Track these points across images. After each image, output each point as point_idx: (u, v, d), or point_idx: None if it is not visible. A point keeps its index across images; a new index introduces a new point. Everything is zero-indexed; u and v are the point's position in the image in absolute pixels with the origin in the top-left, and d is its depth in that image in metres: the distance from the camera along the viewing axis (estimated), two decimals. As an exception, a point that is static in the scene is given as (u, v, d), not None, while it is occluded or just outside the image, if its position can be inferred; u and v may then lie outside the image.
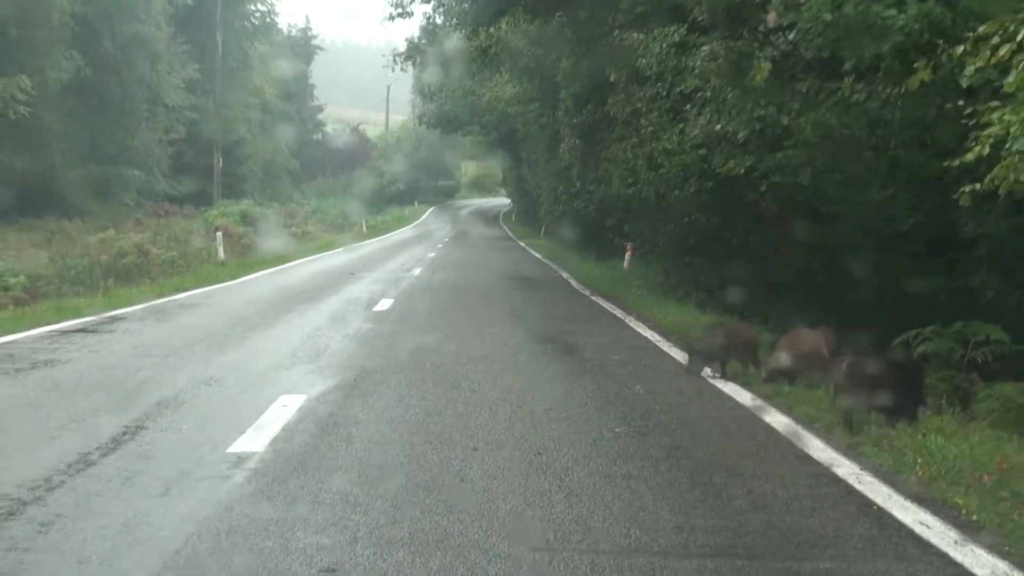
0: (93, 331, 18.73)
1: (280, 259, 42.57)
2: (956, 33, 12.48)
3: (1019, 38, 9.44)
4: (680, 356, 17.24)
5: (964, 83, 10.88)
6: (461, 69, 39.00)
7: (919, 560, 7.40)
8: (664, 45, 21.82)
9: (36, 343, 17.01)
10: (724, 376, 15.28)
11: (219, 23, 68.02)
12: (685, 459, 10.14)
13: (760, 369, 15.25)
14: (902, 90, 13.34)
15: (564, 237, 52.99)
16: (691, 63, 20.16)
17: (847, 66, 15.93)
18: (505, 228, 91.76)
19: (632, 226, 36.00)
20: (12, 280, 25.36)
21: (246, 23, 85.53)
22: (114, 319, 20.56)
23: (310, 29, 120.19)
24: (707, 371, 15.53)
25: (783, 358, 14.86)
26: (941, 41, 12.02)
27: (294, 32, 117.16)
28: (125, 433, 10.36)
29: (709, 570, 6.95)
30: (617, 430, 11.45)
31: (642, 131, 24.51)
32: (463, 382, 14.25)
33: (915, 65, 11.69)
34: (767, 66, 15.79)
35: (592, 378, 15.16)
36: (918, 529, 8.07)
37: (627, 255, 38.87)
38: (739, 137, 18.94)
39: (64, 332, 18.41)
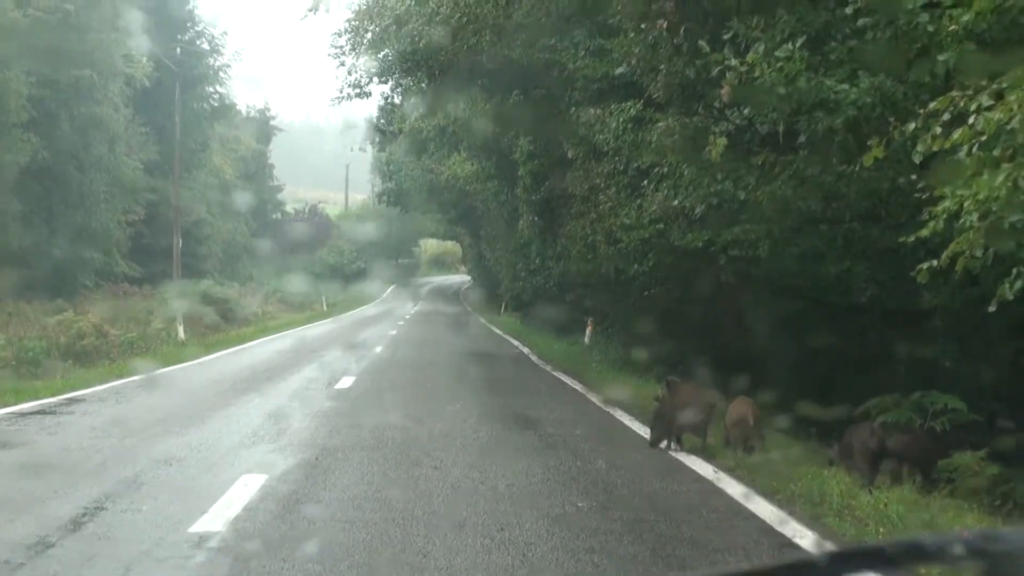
0: (51, 412, 18.63)
1: (241, 338, 42.52)
2: (908, 107, 12.66)
3: (970, 120, 9.58)
4: (644, 431, 17.27)
5: (916, 159, 11.01)
6: (419, 148, 39.16)
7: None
8: (620, 120, 21.96)
9: (-6, 426, 16.90)
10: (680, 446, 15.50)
11: (177, 104, 68.07)
12: (648, 532, 10.15)
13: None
14: (857, 167, 13.49)
15: (524, 313, 53.09)
16: (648, 137, 20.31)
17: (802, 139, 16.10)
18: (466, 305, 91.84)
19: (592, 301, 36.09)
20: (-31, 363, 25.21)
21: (204, 105, 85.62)
22: (72, 400, 20.45)
23: (268, 110, 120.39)
24: (671, 444, 15.57)
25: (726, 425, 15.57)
26: (892, 118, 12.20)
27: (252, 113, 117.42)
28: (84, 514, 10.30)
29: (673, 644, 6.96)
30: (579, 504, 11.45)
31: (600, 207, 24.64)
32: (425, 459, 14.22)
33: (868, 143, 11.83)
34: (722, 141, 15.92)
35: (554, 453, 15.16)
36: (880, 599, 8.08)
37: (588, 330, 38.93)
38: (696, 212, 19.06)
39: (22, 414, 18.31)
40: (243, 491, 11.59)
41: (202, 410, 19.43)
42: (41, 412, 18.64)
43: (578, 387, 25.10)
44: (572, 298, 39.13)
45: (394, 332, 49.90)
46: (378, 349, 37.99)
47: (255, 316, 58.98)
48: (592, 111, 23.86)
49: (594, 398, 22.55)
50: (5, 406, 19.18)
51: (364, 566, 8.61)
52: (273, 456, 14.18)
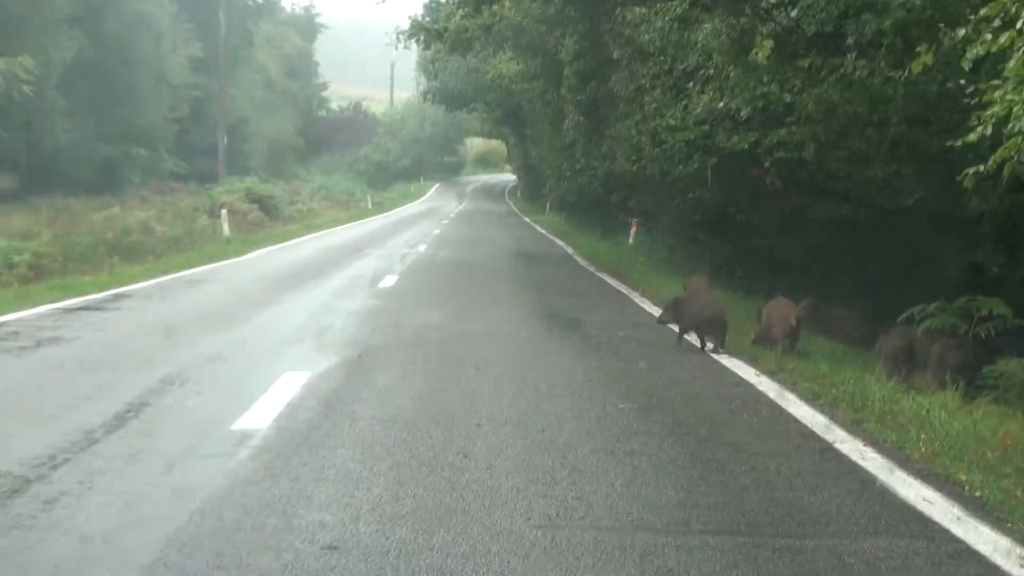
0: (98, 309, 18.74)
1: (285, 236, 42.60)
2: (958, 10, 12.44)
3: (1019, 25, 9.41)
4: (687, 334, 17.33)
5: (966, 66, 10.84)
6: (464, 46, 38.77)
7: (921, 536, 7.41)
8: (667, 20, 21.74)
9: (40, 321, 17.01)
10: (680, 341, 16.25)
11: (222, 1, 67.88)
12: (688, 436, 10.15)
13: (722, 346, 15.77)
14: (905, 73, 13.32)
15: (569, 213, 53.01)
16: (694, 38, 20.12)
17: (849, 42, 15.90)
18: (510, 204, 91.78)
19: (637, 202, 36.00)
20: (17, 258, 25.29)
21: (249, 1, 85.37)
22: (118, 296, 20.56)
23: (313, 7, 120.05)
24: (710, 345, 15.64)
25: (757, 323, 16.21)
26: (942, 24, 12.01)
27: (297, 10, 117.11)
28: (129, 411, 10.38)
29: (711, 547, 6.96)
30: (621, 407, 11.46)
31: (645, 108, 24.51)
32: (467, 359, 14.26)
33: (917, 49, 11.67)
34: (769, 43, 15.76)
35: (596, 355, 15.17)
36: (921, 505, 8.09)
37: (632, 231, 38.90)
38: (742, 114, 18.93)
39: (68, 310, 18.41)
40: (286, 388, 11.64)
41: (246, 307, 19.51)
42: (87, 308, 18.74)
43: (621, 288, 25.06)
44: (617, 199, 39.08)
45: (438, 231, 49.93)
46: (422, 248, 38.02)
47: (299, 214, 59.05)
48: (638, 10, 23.66)
49: (637, 299, 22.53)
50: (52, 302, 19.29)
51: (404, 465, 8.64)
52: (316, 354, 14.23)
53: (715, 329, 15.97)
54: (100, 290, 21.34)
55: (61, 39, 48.20)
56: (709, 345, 15.65)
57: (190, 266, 27.82)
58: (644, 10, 23.15)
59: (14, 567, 6.28)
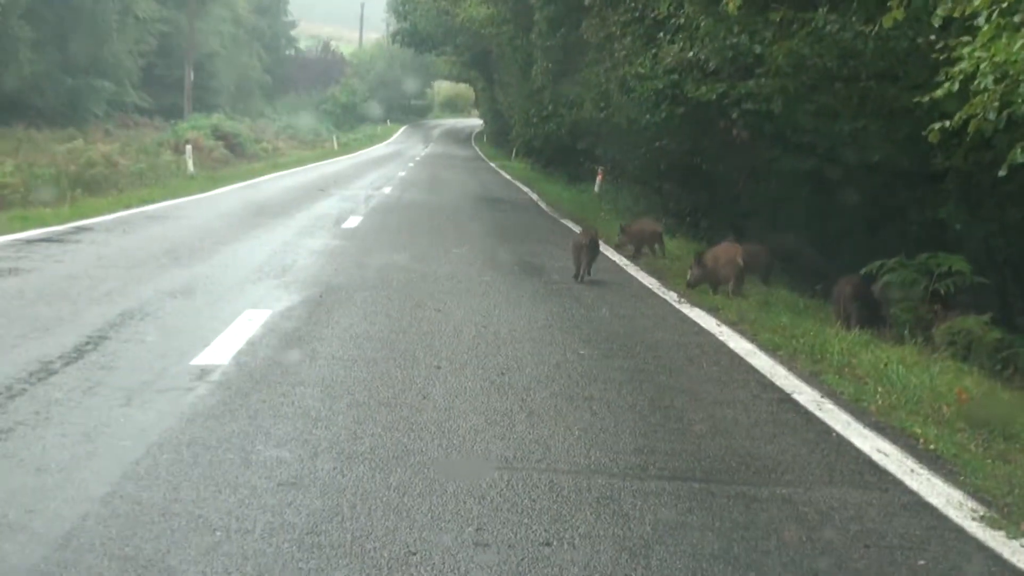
0: (59, 241, 18.64)
1: (250, 174, 42.44)
2: (931, -34, 12.44)
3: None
4: (648, 281, 17.38)
5: (936, 22, 10.85)
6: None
7: (875, 487, 7.47)
8: (639, -35, 21.71)
9: (0, 251, 16.91)
10: (636, 256, 20.43)
11: (192, -67, 67.37)
12: (647, 383, 10.19)
13: (662, 253, 20.04)
14: (876, 28, 13.32)
15: (535, 160, 52.92)
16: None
17: (821, -5, 15.91)
18: (477, 149, 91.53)
19: (603, 150, 35.95)
20: (-23, 188, 25.20)
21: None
22: (80, 229, 20.45)
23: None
24: (672, 295, 15.69)
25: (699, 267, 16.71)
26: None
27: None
28: (88, 343, 10.34)
29: (667, 492, 7.00)
30: (581, 352, 11.49)
31: (615, 55, 24.44)
32: (428, 301, 14.26)
33: (888, 4, 11.67)
34: (741, -6, 15.73)
35: (558, 300, 15.18)
36: (876, 457, 8.15)
37: (598, 179, 38.86)
38: (711, 64, 18.90)
39: (29, 241, 18.31)
40: (246, 326, 11.62)
41: (209, 244, 19.43)
42: (48, 240, 18.64)
43: (585, 236, 25.09)
44: (583, 146, 39.02)
45: (403, 174, 49.81)
46: (387, 190, 37.96)
47: (265, 152, 58.84)
48: (611, -44, 23.58)
49: (601, 247, 22.54)
50: (12, 232, 19.19)
51: (363, 404, 8.65)
52: (278, 292, 14.20)
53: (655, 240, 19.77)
54: (62, 222, 21.24)
55: (28, -32, 47.77)
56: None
57: (153, 201, 27.70)
58: (617, -44, 23.08)
59: (-35, 497, 6.26)
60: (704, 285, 16.59)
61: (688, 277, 16.90)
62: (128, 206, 25.84)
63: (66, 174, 30.39)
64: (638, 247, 21.15)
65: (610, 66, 24.90)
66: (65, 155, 34.19)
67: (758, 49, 17.43)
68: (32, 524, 5.86)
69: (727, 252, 16.84)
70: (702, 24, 18.33)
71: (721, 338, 12.87)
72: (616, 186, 35.77)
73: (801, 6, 16.64)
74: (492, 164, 67.27)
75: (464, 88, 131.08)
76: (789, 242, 20.17)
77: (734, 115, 19.31)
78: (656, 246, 21.20)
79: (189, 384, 8.95)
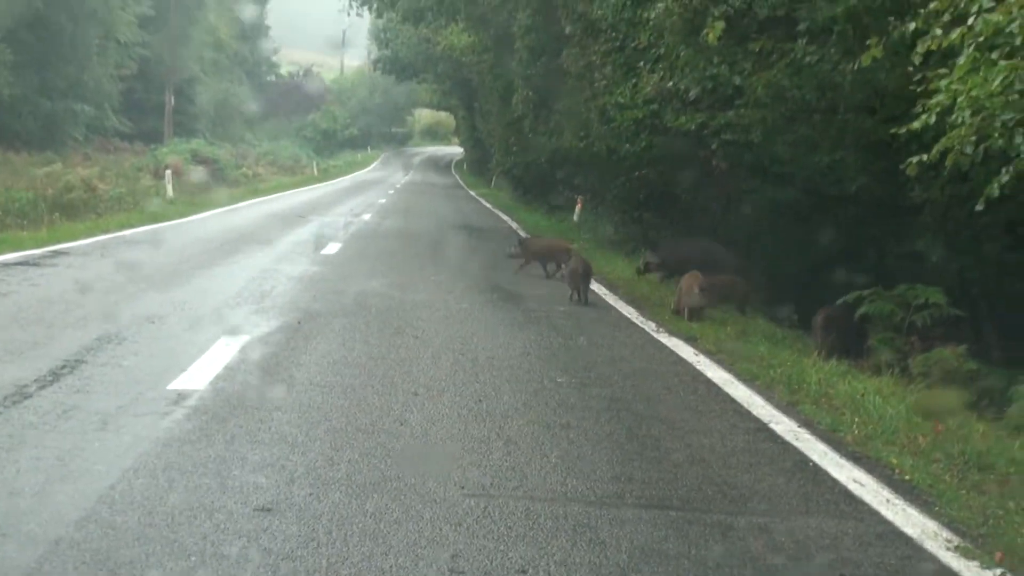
0: (35, 264, 18.59)
1: (230, 199, 42.36)
2: (910, 0, 12.51)
3: (969, 21, 9.50)
4: (627, 311, 17.41)
5: (916, 60, 10.90)
6: (416, 16, 38.74)
7: (851, 517, 7.49)
8: (620, -5, 21.78)
9: (-23, 275, 16.87)
10: (547, 275, 20.77)
11: (175, -41, 67.46)
12: (625, 411, 10.19)
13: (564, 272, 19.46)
14: (855, 66, 13.39)
15: (514, 188, 52.98)
16: (646, 16, 20.13)
17: (801, 27, 15.95)
18: (457, 177, 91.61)
19: (583, 179, 35.99)
20: (-46, 211, 25.14)
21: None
22: (57, 253, 20.41)
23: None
24: (651, 325, 15.74)
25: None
26: (892, 17, 12.12)
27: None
28: (64, 367, 10.31)
29: (644, 520, 7.00)
30: (559, 380, 11.49)
31: (595, 85, 24.49)
32: (407, 328, 14.25)
33: (868, 42, 11.75)
34: (720, 25, 15.80)
35: (535, 328, 15.17)
36: (852, 487, 8.17)
37: (577, 208, 38.89)
38: (691, 94, 18.95)
39: (5, 265, 18.25)
40: (224, 351, 11.61)
41: (187, 269, 19.41)
42: (25, 263, 18.59)
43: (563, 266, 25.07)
44: (563, 175, 39.06)
45: (383, 201, 49.82)
46: (366, 217, 37.96)
47: (245, 178, 58.79)
48: (592, -16, 23.66)
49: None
50: (-11, 256, 19.15)
51: (341, 431, 8.64)
52: (255, 318, 14.18)
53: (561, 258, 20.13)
54: (39, 246, 21.18)
55: (11, -8, 47.75)
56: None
57: (132, 226, 27.67)
58: (598, -15, 23.14)
59: (-59, 518, 6.23)
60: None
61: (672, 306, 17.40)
62: (106, 231, 25.81)
63: (44, 198, 30.31)
64: (543, 265, 21.83)
65: (590, 95, 24.96)
66: (43, 179, 34.11)
67: (738, 80, 17.49)
68: (4, 548, 5.83)
69: (687, 281, 17.14)
70: (682, 54, 18.38)
71: (699, 367, 12.88)
72: (595, 215, 35.80)
73: (781, 37, 16.71)
74: (472, 192, 67.31)
75: (445, 116, 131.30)
76: (757, 272, 20.28)
77: (713, 145, 19.39)
78: (563, 266, 20.83)
79: (165, 409, 8.93)
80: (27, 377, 9.73)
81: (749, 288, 18.74)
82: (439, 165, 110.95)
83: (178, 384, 9.89)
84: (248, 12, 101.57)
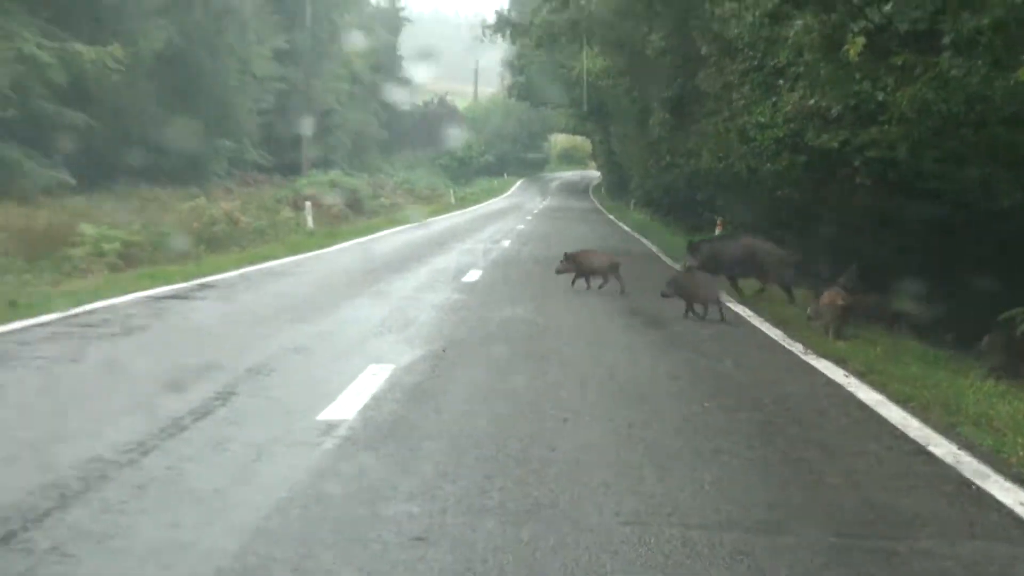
0: (184, 298, 18.89)
1: (368, 229, 42.76)
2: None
3: None
4: (773, 332, 17.19)
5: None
6: (550, 42, 38.71)
7: (1021, 542, 7.25)
8: (757, 15, 21.53)
9: (130, 308, 17.18)
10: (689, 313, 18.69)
11: (309, -6, 68.40)
12: (777, 435, 10.02)
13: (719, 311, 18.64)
14: (1011, 82, 13.10)
15: (653, 211, 52.84)
16: (784, 34, 19.91)
17: (945, 40, 15.65)
18: (595, 201, 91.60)
19: (723, 200, 35.78)
20: (107, 247, 25.67)
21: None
22: (204, 286, 20.72)
23: (398, 0, 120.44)
24: (799, 347, 15.52)
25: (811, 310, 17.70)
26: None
27: (383, 3, 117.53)
28: (216, 399, 10.42)
29: (803, 547, 6.86)
30: (707, 405, 11.34)
31: (733, 105, 24.33)
32: (552, 354, 14.20)
33: (1022, 57, 11.46)
34: (861, 40, 15.54)
35: (681, 352, 15.03)
36: (1019, 510, 7.91)
37: (717, 229, 38.65)
38: (832, 112, 18.71)
39: (157, 298, 18.59)
40: (371, 380, 11.65)
41: (330, 299, 19.57)
42: (174, 297, 18.91)
43: (706, 287, 24.89)
44: (702, 197, 38.87)
45: (522, 227, 49.91)
46: (506, 243, 38.04)
47: (382, 207, 59.27)
48: (728, 5, 23.45)
49: (723, 297, 22.34)
50: (140, 290, 19.48)
51: (491, 459, 8.59)
52: (400, 346, 14.23)
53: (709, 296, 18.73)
54: (187, 279, 21.52)
55: (151, 29, 48.67)
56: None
57: (274, 257, 28.00)
58: (734, 5, 22.91)
59: (104, 551, 6.30)
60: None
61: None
62: (250, 263, 26.16)
63: (190, 232, 30.87)
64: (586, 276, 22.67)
65: (728, 115, 24.79)
66: (188, 213, 34.73)
67: (880, 96, 17.24)
68: (168, 581, 5.88)
69: (829, 297, 17.13)
70: (823, 72, 18.16)
71: (850, 389, 12.63)
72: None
73: (924, 51, 16.41)
74: (610, 216, 67.23)
75: (580, 140, 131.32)
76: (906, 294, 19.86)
77: (856, 163, 19.11)
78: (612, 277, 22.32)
79: (316, 439, 8.97)
80: (182, 409, 9.84)
81: (892, 309, 18.47)
82: (576, 189, 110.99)
83: (327, 414, 9.92)
84: (382, 43, 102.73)
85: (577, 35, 36.26)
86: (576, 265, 22.72)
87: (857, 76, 17.50)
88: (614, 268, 22.49)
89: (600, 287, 22.28)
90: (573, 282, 22.60)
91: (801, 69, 19.80)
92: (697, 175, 35.22)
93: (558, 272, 22.81)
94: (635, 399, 11.45)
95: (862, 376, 13.37)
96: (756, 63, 23.21)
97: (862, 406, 11.71)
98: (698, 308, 18.50)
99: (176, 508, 7.07)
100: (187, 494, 7.38)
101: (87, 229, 26.87)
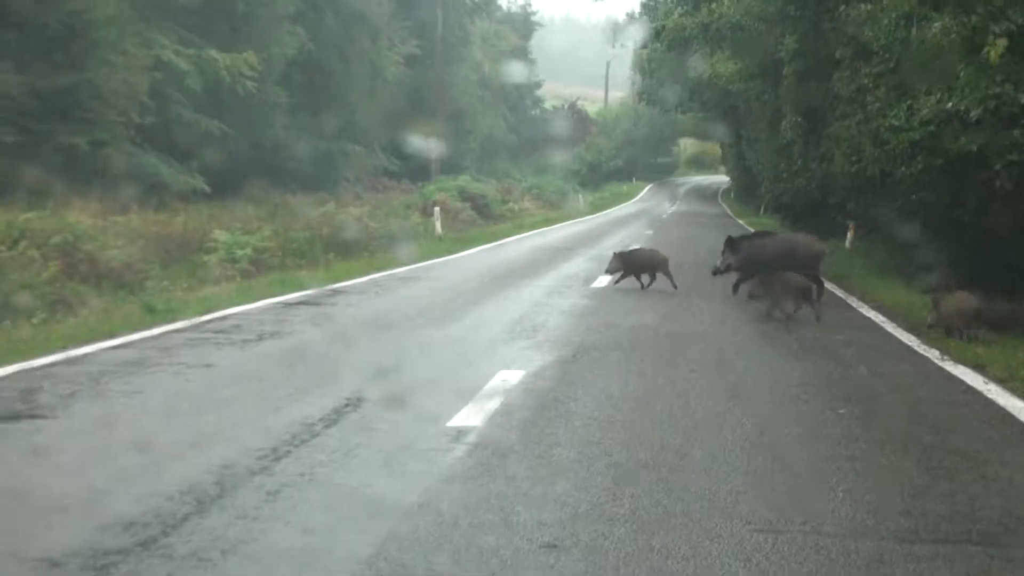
0: (315, 304, 19.07)
1: (497, 235, 42.83)
2: None
3: None
4: (907, 339, 16.91)
5: None
6: (681, 46, 38.58)
7: None
8: (893, 16, 21.28)
9: (262, 315, 17.39)
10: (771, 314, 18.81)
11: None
12: (912, 442, 9.86)
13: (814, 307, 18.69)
14: None
15: (784, 216, 52.34)
16: (921, 35, 19.64)
17: (1091, 39, 15.35)
18: (724, 206, 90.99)
19: (855, 205, 35.32)
20: (239, 253, 26.01)
21: (466, 0, 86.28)
22: (335, 292, 20.89)
23: (530, 5, 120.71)
24: (934, 353, 15.26)
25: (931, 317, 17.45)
26: None
27: (514, 8, 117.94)
28: (347, 405, 10.49)
29: (941, 556, 6.73)
30: (840, 411, 11.19)
31: (868, 108, 24.01)
32: (681, 360, 14.11)
33: None
34: (1002, 43, 15.30)
35: (813, 358, 14.86)
36: None
37: (849, 234, 38.20)
38: (971, 115, 18.38)
39: (288, 305, 18.78)
40: (500, 387, 11.66)
41: (459, 304, 19.61)
42: (305, 303, 19.09)
43: (838, 292, 24.53)
44: (834, 201, 38.41)
45: (651, 232, 49.66)
46: (634, 248, 37.87)
47: (511, 213, 59.31)
48: (863, 7, 23.20)
49: (855, 303, 22.06)
50: (272, 296, 19.71)
51: (622, 466, 8.55)
52: (530, 352, 14.22)
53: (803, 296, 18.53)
54: (317, 285, 21.69)
55: (283, 36, 49.28)
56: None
57: (403, 263, 28.11)
58: (869, 7, 22.68)
59: (239, 557, 6.37)
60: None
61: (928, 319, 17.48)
62: (379, 268, 26.31)
63: (320, 238, 31.14)
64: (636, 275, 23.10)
65: (863, 118, 24.46)
66: (318, 219, 35.03)
67: (1023, 98, 16.90)
68: (302, 586, 5.93)
69: (962, 302, 16.82)
70: (961, 74, 17.86)
71: (990, 396, 12.37)
72: (868, 240, 35.08)
73: (1068, 51, 16.10)
74: (740, 221, 66.71)
75: (710, 145, 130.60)
76: None
77: (997, 167, 18.74)
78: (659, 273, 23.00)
79: (446, 446, 8.99)
80: (314, 415, 9.93)
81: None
82: (705, 194, 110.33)
83: (458, 421, 9.95)
84: (512, 47, 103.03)
85: (708, 39, 36.07)
86: (624, 264, 23.19)
87: (998, 78, 17.19)
88: (662, 265, 23.10)
89: (648, 285, 22.88)
90: (618, 280, 23.17)
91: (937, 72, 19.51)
92: (829, 179, 34.80)
93: (610, 272, 23.49)
94: (766, 406, 11.35)
95: (1003, 383, 13.08)
96: (892, 66, 22.89)
97: (1004, 413, 11.46)
98: (787, 308, 18.59)
99: (309, 514, 7.13)
100: (319, 500, 7.43)
101: (220, 235, 27.24)
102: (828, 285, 25.02)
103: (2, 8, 34.18)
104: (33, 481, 7.83)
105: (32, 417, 9.84)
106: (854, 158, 26.12)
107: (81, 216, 26.42)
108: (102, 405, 10.50)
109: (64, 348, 13.70)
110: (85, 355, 13.30)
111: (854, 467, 8.83)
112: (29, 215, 22.90)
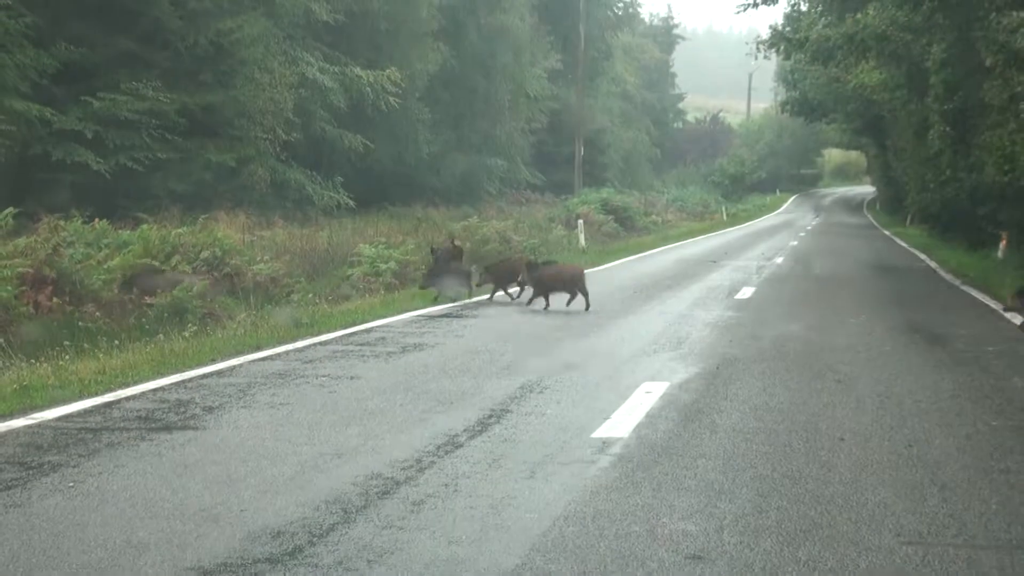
0: (458, 316, 19.19)
1: (640, 247, 42.76)
2: None
3: None
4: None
5: None
6: (825, 56, 38.18)
7: None
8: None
9: (405, 327, 17.55)
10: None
11: (582, 13, 68.87)
12: (1070, 456, 9.65)
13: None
14: None
15: (931, 226, 51.60)
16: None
17: None
18: (869, 217, 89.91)
19: (1007, 214, 34.72)
20: (383, 266, 26.24)
21: (608, 13, 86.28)
22: (478, 304, 20.99)
23: (672, 18, 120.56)
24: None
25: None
26: None
27: (656, 21, 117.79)
28: (491, 416, 10.54)
29: (1097, 571, 6.59)
30: (993, 424, 10.99)
31: (1021, 116, 23.59)
32: (827, 372, 13.95)
33: None
34: None
35: (963, 370, 14.60)
36: None
37: (1002, 244, 37.50)
38: None
39: (431, 317, 18.93)
40: (645, 398, 11.63)
41: (603, 316, 19.57)
42: (448, 316, 19.22)
43: (991, 303, 24.07)
44: (985, 211, 37.78)
45: (795, 243, 49.28)
46: (779, 260, 37.60)
47: (654, 225, 59.16)
48: (1015, 15, 22.78)
49: (1009, 315, 21.63)
50: (415, 309, 19.89)
51: (767, 478, 8.48)
52: (674, 364, 14.18)
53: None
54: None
55: (426, 52, 49.70)
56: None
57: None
58: (1022, 14, 22.26)
59: (385, 567, 6.42)
60: None
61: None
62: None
63: (463, 251, 31.31)
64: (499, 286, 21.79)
65: (1015, 127, 24.06)
66: (461, 232, 35.21)
67: None
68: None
69: None
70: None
71: None
72: (1022, 251, 34.44)
73: None
74: (886, 232, 65.90)
75: (855, 155, 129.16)
76: None
77: None
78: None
79: (591, 457, 8.99)
80: (457, 427, 10.00)
81: None
82: (850, 205, 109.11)
83: (602, 432, 9.95)
84: (655, 61, 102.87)
85: (853, 49, 35.64)
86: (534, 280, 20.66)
87: None
88: (577, 280, 20.64)
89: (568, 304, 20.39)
90: (530, 301, 20.92)
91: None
92: (979, 189, 34.29)
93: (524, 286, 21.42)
94: (914, 418, 11.16)
95: None
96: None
97: None
98: None
99: (453, 524, 7.16)
100: (463, 511, 7.46)
101: (365, 249, 27.50)
102: (978, 295, 24.60)
103: (152, 28, 34.96)
104: (185, 491, 7.96)
105: (184, 428, 10.02)
106: (1007, 167, 25.73)
107: (228, 231, 26.93)
108: (249, 416, 10.66)
109: (213, 360, 13.96)
110: (233, 367, 13.53)
111: (1008, 480, 8.67)
112: (181, 230, 23.37)
